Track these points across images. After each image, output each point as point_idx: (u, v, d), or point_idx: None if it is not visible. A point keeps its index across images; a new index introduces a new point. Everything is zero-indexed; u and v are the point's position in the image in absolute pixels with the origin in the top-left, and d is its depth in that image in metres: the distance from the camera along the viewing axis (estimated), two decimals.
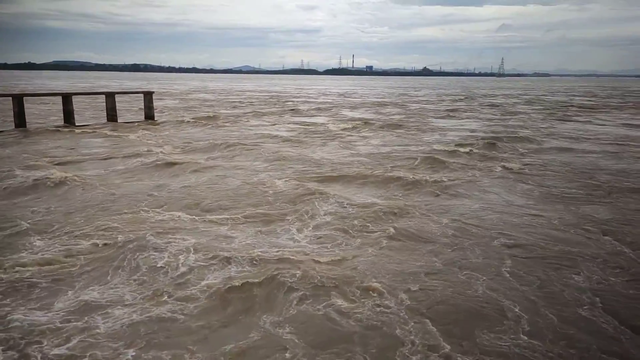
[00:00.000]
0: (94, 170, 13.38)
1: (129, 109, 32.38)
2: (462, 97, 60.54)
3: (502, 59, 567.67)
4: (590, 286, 6.48)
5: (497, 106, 43.64)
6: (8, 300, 5.84)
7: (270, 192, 11.11)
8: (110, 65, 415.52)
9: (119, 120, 25.58)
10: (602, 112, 37.49)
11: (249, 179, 12.42)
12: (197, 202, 10.22)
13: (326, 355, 4.89)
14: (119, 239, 7.82)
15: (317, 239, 8.15)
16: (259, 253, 7.32)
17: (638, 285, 6.57)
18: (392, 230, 8.53)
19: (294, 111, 35.05)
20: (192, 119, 27.18)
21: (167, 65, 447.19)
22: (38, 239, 7.81)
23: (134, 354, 4.82)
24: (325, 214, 9.44)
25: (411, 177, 12.69)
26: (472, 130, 24.06)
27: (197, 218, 9.16)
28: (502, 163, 15.11)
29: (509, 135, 21.68)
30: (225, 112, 32.22)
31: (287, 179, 12.39)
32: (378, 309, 5.74)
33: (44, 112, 29.73)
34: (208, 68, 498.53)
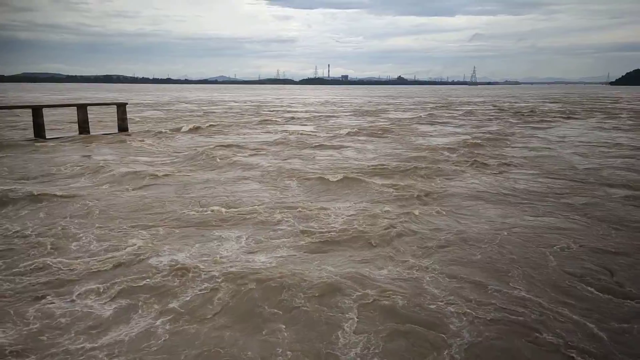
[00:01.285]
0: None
1: (102, 121, 31.34)
2: (442, 104, 61.21)
3: (474, 67, 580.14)
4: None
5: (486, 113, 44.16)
6: None
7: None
8: (81, 76, 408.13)
9: (91, 133, 24.63)
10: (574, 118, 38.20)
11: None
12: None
13: None
14: None
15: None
16: None
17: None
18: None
19: (293, 118, 34.55)
20: (172, 130, 26.43)
21: (140, 76, 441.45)
22: None
23: None
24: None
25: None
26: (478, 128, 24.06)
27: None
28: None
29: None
30: (217, 122, 31.49)
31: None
32: None
33: (13, 124, 28.47)
34: (183, 79, 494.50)
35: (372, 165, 15.69)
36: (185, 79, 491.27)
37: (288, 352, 4.95)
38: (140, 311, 5.78)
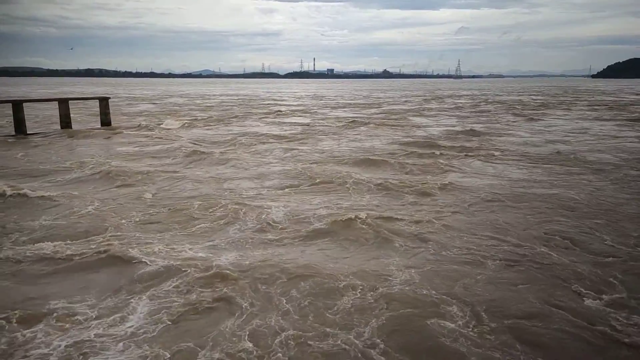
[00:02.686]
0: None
1: (83, 115, 30.49)
2: (430, 98, 61.19)
3: (459, 61, 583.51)
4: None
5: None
6: None
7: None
8: (62, 70, 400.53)
9: (73, 127, 23.89)
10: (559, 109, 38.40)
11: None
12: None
13: None
14: None
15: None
16: None
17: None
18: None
19: (283, 114, 34.07)
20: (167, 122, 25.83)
21: (123, 70, 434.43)
22: None
23: None
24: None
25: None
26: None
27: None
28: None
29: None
30: (203, 115, 30.82)
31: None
32: None
33: None
34: (166, 72, 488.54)
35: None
36: (169, 73, 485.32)
37: None
38: None
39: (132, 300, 5.70)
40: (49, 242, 7.48)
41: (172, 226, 8.52)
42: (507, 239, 7.83)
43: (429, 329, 5.09)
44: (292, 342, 4.84)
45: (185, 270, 6.45)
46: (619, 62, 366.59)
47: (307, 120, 29.95)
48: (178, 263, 6.67)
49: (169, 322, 5.22)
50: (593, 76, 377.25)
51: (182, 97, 61.44)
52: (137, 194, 10.85)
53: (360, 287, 6.00)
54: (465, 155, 16.30)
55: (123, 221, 8.77)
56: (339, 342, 4.85)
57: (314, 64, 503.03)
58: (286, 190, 11.35)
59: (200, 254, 7.05)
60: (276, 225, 8.57)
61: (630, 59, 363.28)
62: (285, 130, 24.08)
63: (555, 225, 8.53)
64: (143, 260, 6.80)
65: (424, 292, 5.87)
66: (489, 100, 54.67)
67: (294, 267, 6.57)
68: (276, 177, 12.84)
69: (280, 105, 46.14)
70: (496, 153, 16.67)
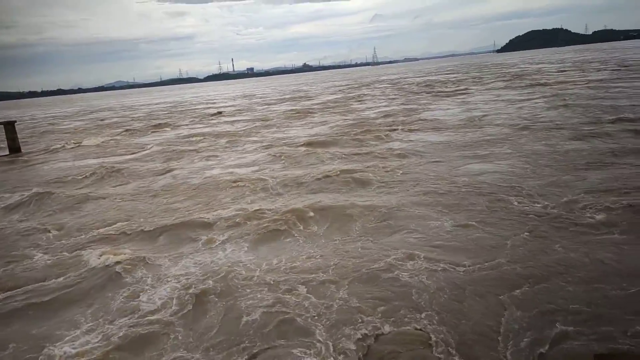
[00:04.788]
0: None
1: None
2: (358, 85, 65.35)
3: (375, 48, 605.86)
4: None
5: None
6: None
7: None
8: None
9: None
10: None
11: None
12: None
13: None
14: None
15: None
16: None
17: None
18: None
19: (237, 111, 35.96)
20: (75, 143, 25.07)
21: (27, 90, 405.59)
22: None
23: None
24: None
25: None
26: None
27: None
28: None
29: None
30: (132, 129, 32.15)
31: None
32: None
33: None
34: (76, 88, 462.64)
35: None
36: (79, 88, 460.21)
37: None
38: None
39: None
40: None
41: None
42: (437, 181, 11.26)
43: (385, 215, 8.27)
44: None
45: None
46: (519, 36, 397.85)
47: (255, 115, 32.47)
48: None
49: None
50: (498, 51, 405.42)
51: (105, 111, 60.70)
52: None
53: (359, 208, 9.08)
54: (401, 129, 19.91)
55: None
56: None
57: (233, 65, 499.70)
58: (277, 165, 14.28)
59: None
60: (281, 181, 11.53)
61: (529, 32, 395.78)
62: (239, 128, 26.51)
63: (470, 164, 12.15)
64: None
65: (392, 204, 9.07)
66: (409, 82, 59.74)
67: (313, 205, 9.53)
68: (262, 159, 15.66)
69: (217, 107, 47.71)
70: (422, 124, 20.50)
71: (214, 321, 5.61)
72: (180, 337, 5.31)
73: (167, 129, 29.96)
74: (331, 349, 4.83)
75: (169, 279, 6.77)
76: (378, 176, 11.68)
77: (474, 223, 7.98)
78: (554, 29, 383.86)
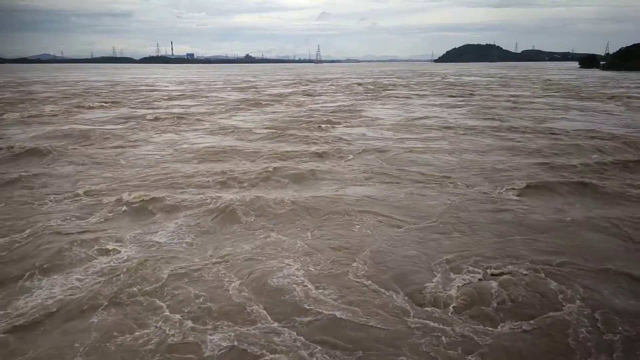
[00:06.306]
0: None
1: None
2: (310, 81, 67.07)
3: (318, 46, 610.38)
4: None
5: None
6: None
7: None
8: None
9: None
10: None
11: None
12: None
13: None
14: None
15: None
16: None
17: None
18: None
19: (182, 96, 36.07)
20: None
21: None
22: None
23: None
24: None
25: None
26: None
27: None
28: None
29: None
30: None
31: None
32: None
33: None
34: None
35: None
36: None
37: None
38: None
39: None
40: None
41: None
42: (382, 164, 13.34)
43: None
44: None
45: None
46: (455, 48, 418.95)
47: (206, 100, 33.35)
48: None
49: None
50: (435, 61, 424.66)
51: (32, 85, 57.66)
52: None
53: (326, 174, 10.86)
54: (345, 123, 22.02)
55: None
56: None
57: (172, 48, 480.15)
58: (254, 142, 15.73)
59: None
60: (265, 154, 13.15)
61: (465, 45, 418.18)
62: (195, 109, 27.42)
63: (410, 152, 14.37)
64: None
65: (346, 176, 10.97)
66: (356, 83, 62.47)
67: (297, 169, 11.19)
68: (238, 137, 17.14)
69: (162, 91, 46.68)
70: (364, 119, 22.79)
71: None
72: None
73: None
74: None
75: None
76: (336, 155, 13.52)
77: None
78: (487, 45, 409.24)
